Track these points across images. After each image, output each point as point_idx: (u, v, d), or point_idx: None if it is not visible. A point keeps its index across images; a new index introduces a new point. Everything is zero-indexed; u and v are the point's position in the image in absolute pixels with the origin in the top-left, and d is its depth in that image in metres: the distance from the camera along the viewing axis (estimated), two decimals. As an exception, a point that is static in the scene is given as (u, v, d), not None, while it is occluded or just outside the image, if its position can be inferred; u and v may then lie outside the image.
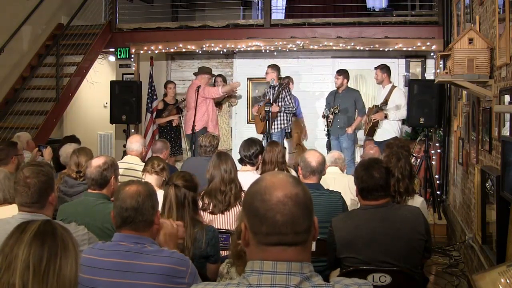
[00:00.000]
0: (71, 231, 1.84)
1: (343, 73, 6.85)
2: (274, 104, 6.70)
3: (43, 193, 2.25)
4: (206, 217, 3.14)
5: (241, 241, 1.27)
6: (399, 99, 6.33)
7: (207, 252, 2.53)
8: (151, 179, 3.41)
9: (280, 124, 6.93)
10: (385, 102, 6.27)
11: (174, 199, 2.53)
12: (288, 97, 6.89)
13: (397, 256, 2.45)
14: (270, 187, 1.21)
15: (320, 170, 3.33)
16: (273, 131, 6.86)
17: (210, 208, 3.17)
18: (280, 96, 6.80)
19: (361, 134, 7.32)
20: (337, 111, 6.57)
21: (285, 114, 6.94)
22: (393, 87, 6.46)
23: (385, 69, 6.50)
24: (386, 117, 6.28)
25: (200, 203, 3.07)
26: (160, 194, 2.45)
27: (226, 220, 3.16)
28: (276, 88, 6.80)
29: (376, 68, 6.54)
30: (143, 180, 2.89)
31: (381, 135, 6.34)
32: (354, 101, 6.78)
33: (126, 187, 2.01)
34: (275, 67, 6.94)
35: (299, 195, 1.21)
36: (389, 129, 6.31)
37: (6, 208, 2.68)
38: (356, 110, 6.81)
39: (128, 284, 1.82)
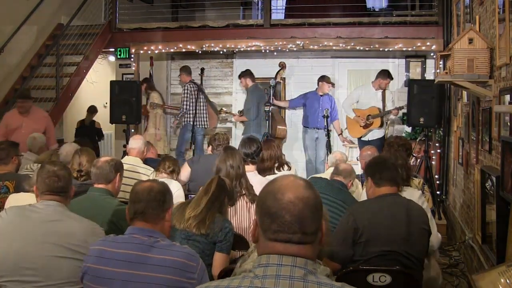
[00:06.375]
0: (88, 227, 2.23)
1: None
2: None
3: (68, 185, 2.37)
4: None
5: (251, 236, 1.35)
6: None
7: (218, 237, 2.59)
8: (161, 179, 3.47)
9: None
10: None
11: (215, 184, 2.73)
12: None
13: (405, 240, 2.51)
14: (283, 188, 1.29)
15: (344, 174, 3.56)
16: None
17: None
18: None
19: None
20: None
21: None
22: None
23: None
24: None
25: None
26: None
27: (232, 214, 3.17)
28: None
29: (383, 77, 6.53)
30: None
31: (369, 135, 6.60)
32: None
33: (141, 183, 2.12)
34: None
35: (309, 198, 1.28)
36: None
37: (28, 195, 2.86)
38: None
39: (141, 276, 1.87)
